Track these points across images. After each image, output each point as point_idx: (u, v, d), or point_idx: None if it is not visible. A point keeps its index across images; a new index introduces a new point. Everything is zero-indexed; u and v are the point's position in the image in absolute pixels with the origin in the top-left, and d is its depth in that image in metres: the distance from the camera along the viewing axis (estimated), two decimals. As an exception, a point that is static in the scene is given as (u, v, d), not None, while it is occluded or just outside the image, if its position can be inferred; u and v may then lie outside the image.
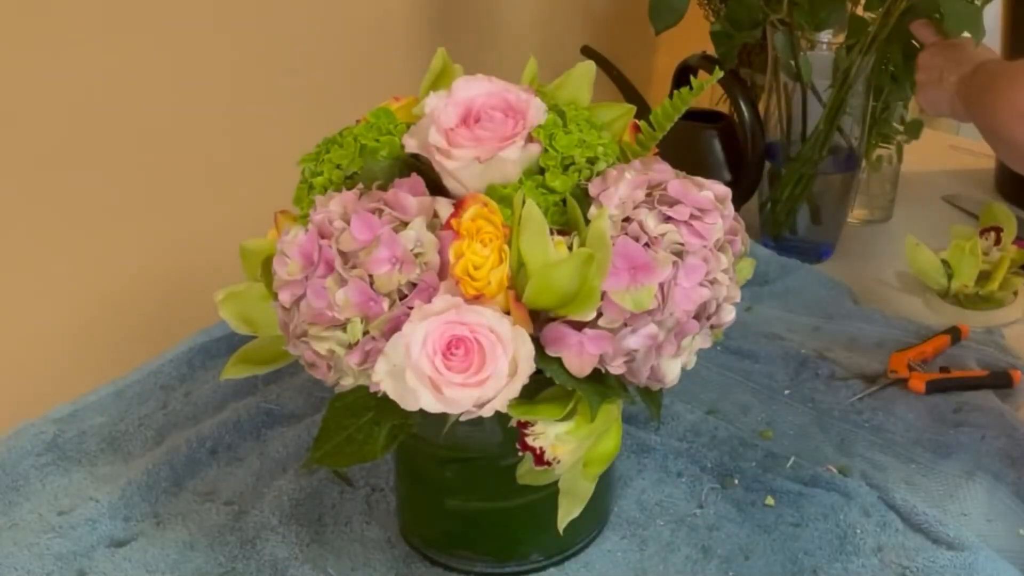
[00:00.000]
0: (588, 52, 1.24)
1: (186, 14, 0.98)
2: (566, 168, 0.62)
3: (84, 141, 0.94)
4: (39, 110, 0.90)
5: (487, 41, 1.31)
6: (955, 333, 0.99)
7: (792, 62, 1.08)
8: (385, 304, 0.58)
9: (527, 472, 0.65)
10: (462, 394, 0.57)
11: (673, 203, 0.61)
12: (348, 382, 0.61)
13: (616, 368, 0.61)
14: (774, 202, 1.16)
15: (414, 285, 0.58)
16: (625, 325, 0.60)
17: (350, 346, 0.59)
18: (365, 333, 0.58)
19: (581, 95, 0.69)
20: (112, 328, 1.00)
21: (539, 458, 0.62)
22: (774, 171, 1.16)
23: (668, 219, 0.61)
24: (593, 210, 0.61)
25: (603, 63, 1.20)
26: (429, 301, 0.58)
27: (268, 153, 1.03)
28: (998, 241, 1.08)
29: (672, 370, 0.64)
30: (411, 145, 0.63)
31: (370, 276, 0.58)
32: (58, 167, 0.92)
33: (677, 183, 0.62)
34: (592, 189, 0.62)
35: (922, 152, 1.43)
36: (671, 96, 0.66)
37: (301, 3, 1.08)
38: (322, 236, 0.60)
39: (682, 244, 0.61)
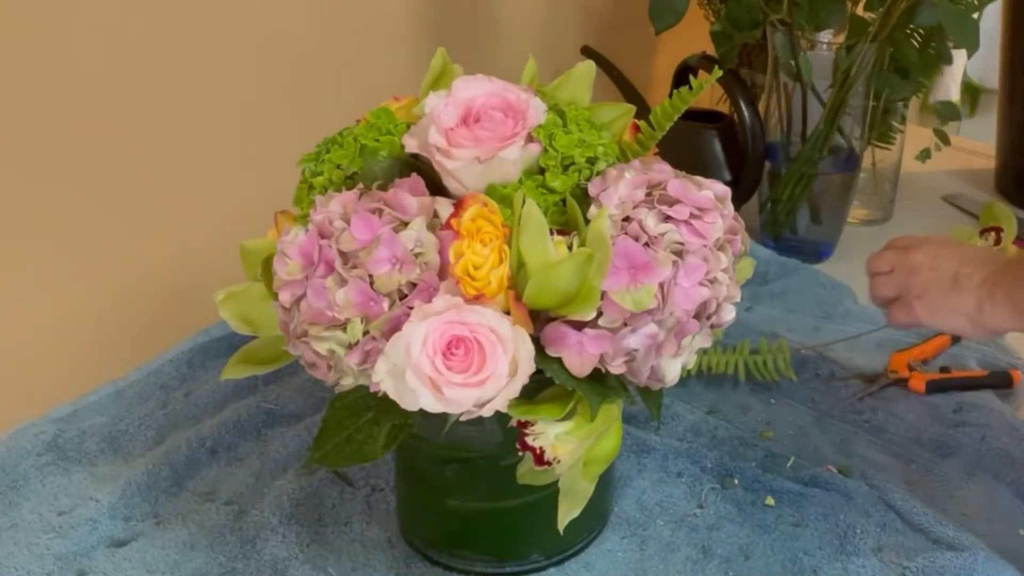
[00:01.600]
0: (588, 52, 1.24)
1: (186, 14, 0.98)
2: (566, 168, 0.62)
3: (84, 141, 0.94)
4: (39, 111, 0.90)
5: (487, 41, 1.31)
6: (955, 335, 0.99)
7: (792, 62, 1.08)
8: (385, 304, 0.58)
9: (527, 472, 0.65)
10: (462, 394, 0.57)
11: (673, 203, 0.61)
12: (348, 382, 0.61)
13: (616, 368, 0.61)
14: (774, 202, 1.16)
15: (414, 285, 0.58)
16: (625, 325, 0.60)
17: (350, 346, 0.59)
18: (365, 333, 0.58)
19: (581, 95, 0.69)
20: (112, 328, 1.00)
21: (539, 458, 0.62)
22: (774, 171, 1.16)
23: (668, 219, 0.61)
24: (593, 210, 0.61)
25: (603, 63, 1.20)
26: (429, 301, 0.58)
27: (268, 153, 1.02)
28: (998, 241, 1.08)
29: (672, 370, 0.64)
30: (411, 145, 0.63)
31: (370, 276, 0.58)
32: (57, 168, 0.92)
33: (677, 183, 0.62)
34: (592, 189, 0.62)
35: (922, 152, 1.43)
36: (671, 96, 0.66)
37: (301, 3, 1.08)
38: (322, 236, 0.59)
39: (682, 244, 0.61)
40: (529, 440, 0.62)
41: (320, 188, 0.65)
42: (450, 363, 0.56)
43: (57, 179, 0.93)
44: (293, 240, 0.60)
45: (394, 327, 0.58)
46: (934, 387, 0.92)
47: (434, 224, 0.60)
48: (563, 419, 0.62)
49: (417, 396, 0.57)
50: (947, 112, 1.17)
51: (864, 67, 1.06)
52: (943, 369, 0.95)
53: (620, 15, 1.45)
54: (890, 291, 0.80)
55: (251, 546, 0.76)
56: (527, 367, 0.58)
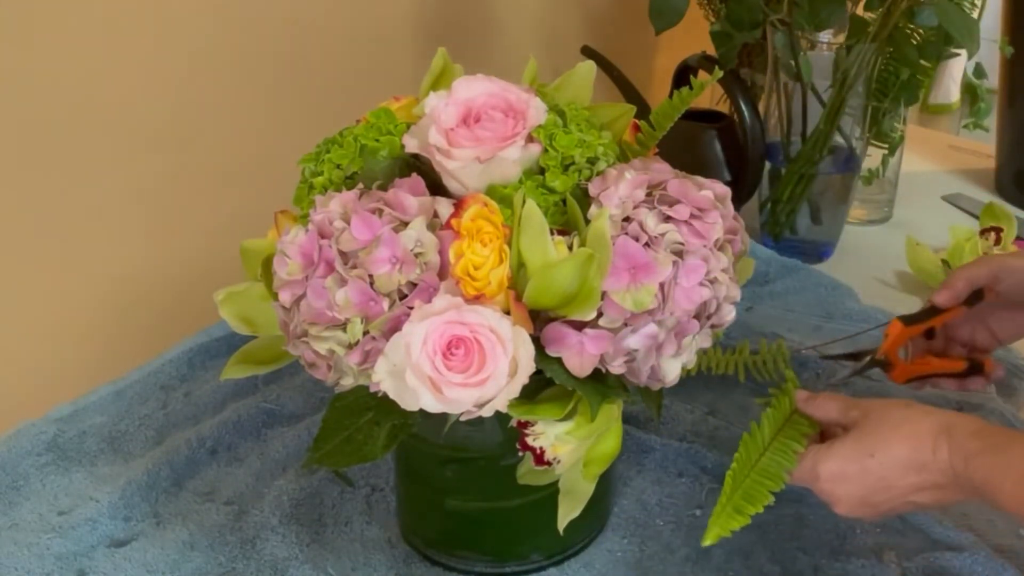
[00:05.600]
0: (588, 52, 1.23)
1: (187, 14, 0.98)
2: (566, 168, 0.62)
3: (84, 141, 0.94)
4: (40, 110, 0.90)
5: (487, 41, 1.31)
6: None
7: (792, 62, 1.08)
8: (385, 304, 0.58)
9: (527, 472, 0.65)
10: (462, 394, 0.57)
11: (673, 203, 0.61)
12: (348, 382, 0.61)
13: (616, 368, 0.61)
14: (774, 202, 1.16)
15: (414, 285, 0.58)
16: (625, 325, 0.60)
17: (350, 346, 0.59)
18: (365, 333, 0.58)
19: (582, 95, 0.69)
20: (112, 328, 1.00)
21: (539, 458, 0.62)
22: (774, 171, 1.16)
23: (668, 219, 0.61)
24: (593, 210, 0.61)
25: (603, 63, 1.20)
26: (429, 301, 0.58)
27: (268, 153, 1.03)
28: (998, 241, 1.08)
29: (672, 370, 0.64)
30: (411, 145, 0.63)
31: (370, 276, 0.58)
32: (58, 168, 0.93)
33: (677, 183, 0.62)
34: (592, 189, 0.62)
35: (922, 152, 1.43)
36: (671, 96, 0.66)
37: (301, 3, 1.08)
38: (322, 236, 0.59)
39: (682, 244, 0.61)
40: (529, 440, 0.62)
41: (320, 188, 0.65)
42: (450, 363, 0.56)
43: (58, 180, 0.93)
44: (293, 240, 0.60)
45: (394, 327, 0.58)
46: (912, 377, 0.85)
47: (434, 224, 0.60)
48: (563, 419, 0.62)
49: (417, 396, 0.57)
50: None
51: (864, 67, 1.06)
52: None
53: (620, 15, 1.45)
54: None
55: (251, 546, 0.76)
56: (527, 367, 0.58)
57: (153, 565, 0.75)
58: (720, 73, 0.66)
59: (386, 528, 0.79)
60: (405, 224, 0.59)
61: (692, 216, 0.61)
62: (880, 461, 0.62)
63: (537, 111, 0.62)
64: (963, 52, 1.16)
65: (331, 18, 1.11)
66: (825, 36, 1.09)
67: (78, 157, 0.93)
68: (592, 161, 0.63)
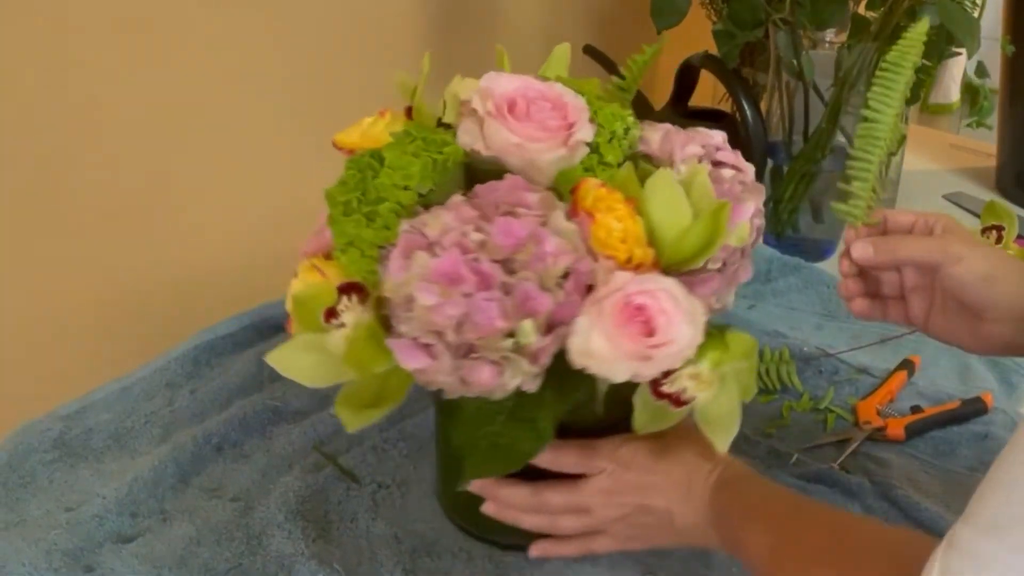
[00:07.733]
0: (590, 51, 1.24)
1: (189, 15, 0.98)
2: (610, 141, 0.64)
3: (87, 140, 0.93)
4: (42, 109, 0.90)
5: (487, 41, 1.31)
6: (910, 367, 0.95)
7: (794, 61, 1.09)
8: (550, 299, 0.58)
9: (646, 421, 0.64)
10: (658, 353, 0.58)
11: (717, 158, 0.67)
12: (513, 384, 0.59)
13: (716, 303, 0.66)
14: (776, 201, 1.17)
15: (567, 275, 0.59)
16: (724, 264, 0.64)
17: (522, 349, 0.58)
18: (537, 332, 0.58)
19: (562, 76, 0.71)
20: (118, 326, 1.00)
21: (677, 401, 0.62)
22: (776, 170, 1.16)
23: (719, 164, 0.67)
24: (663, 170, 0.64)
25: (605, 62, 1.20)
26: (591, 286, 0.59)
27: (270, 153, 1.03)
28: (999, 240, 1.08)
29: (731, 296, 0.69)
30: (464, 142, 0.64)
31: (532, 275, 0.57)
32: (61, 167, 0.93)
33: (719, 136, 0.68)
34: (657, 151, 0.66)
35: (922, 151, 1.43)
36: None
37: (303, 4, 1.08)
38: (464, 252, 0.58)
39: (743, 183, 0.66)
40: (665, 388, 0.62)
41: (387, 216, 0.61)
42: (634, 330, 0.58)
43: (64, 178, 0.93)
44: (425, 267, 0.57)
45: (565, 318, 0.58)
46: (913, 431, 0.87)
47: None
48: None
49: (617, 369, 0.58)
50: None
51: (866, 66, 1.07)
52: (915, 409, 0.90)
53: (622, 14, 1.46)
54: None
55: (257, 542, 0.76)
56: (700, 320, 0.60)
57: (160, 561, 0.75)
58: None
59: (392, 524, 0.79)
60: (540, 219, 0.59)
61: (733, 165, 0.67)
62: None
63: (574, 97, 0.64)
64: (964, 51, 1.16)
65: (332, 18, 1.11)
66: (827, 35, 1.10)
67: (80, 156, 0.93)
68: (626, 130, 0.66)
